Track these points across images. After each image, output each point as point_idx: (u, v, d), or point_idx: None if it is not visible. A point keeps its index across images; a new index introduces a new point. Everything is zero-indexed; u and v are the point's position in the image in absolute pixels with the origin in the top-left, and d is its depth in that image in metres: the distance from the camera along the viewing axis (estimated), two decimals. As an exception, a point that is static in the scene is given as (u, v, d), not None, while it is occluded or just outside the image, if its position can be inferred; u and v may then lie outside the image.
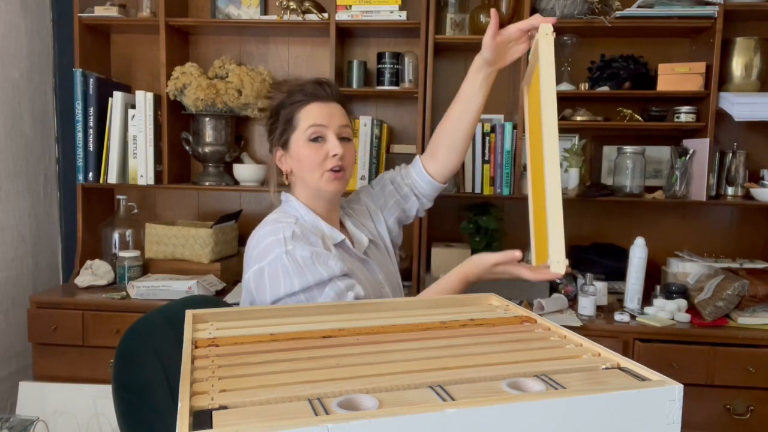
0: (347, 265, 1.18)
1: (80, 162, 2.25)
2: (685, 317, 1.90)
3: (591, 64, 2.24)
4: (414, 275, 2.23)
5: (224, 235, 2.29)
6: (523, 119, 2.16)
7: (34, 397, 1.99)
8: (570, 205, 2.39)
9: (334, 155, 1.18)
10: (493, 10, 1.17)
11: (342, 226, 1.30)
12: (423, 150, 2.20)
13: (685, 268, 2.14)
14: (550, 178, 1.02)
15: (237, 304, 1.53)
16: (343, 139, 1.21)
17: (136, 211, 2.39)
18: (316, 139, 1.19)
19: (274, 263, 1.10)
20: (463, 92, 1.28)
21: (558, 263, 1.02)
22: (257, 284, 1.13)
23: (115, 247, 2.27)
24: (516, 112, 2.22)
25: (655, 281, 2.16)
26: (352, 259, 1.23)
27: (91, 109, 2.22)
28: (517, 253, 1.12)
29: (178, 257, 2.23)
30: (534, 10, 2.16)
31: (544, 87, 1.04)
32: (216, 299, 1.58)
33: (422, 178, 1.38)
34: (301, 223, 1.18)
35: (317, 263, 1.11)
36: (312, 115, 1.19)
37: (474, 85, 1.25)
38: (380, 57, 2.27)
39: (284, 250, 1.10)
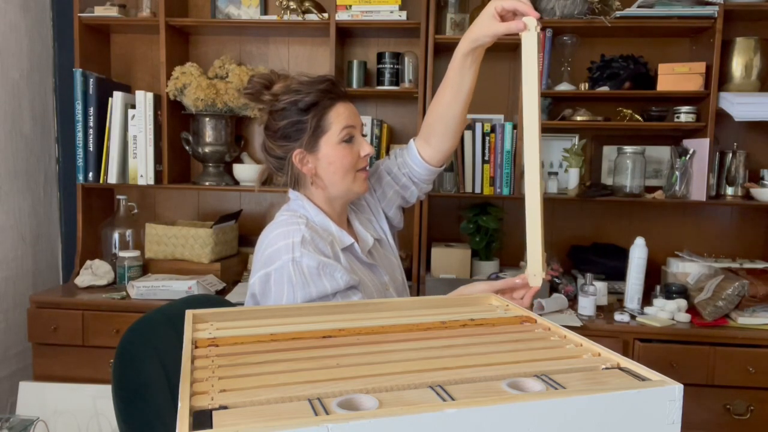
0: (354, 271, 1.18)
1: (80, 162, 2.25)
2: (685, 317, 1.90)
3: (591, 64, 2.24)
4: (414, 275, 2.23)
5: (224, 235, 2.29)
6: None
7: (34, 397, 1.99)
8: (570, 205, 2.41)
9: (366, 155, 1.19)
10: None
11: (349, 226, 1.30)
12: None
13: (685, 268, 2.14)
14: (529, 186, 1.01)
15: (240, 303, 1.52)
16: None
17: (136, 211, 2.39)
18: (350, 140, 1.18)
19: (280, 271, 1.09)
20: (452, 78, 1.20)
21: (535, 276, 1.04)
22: (263, 290, 1.12)
23: (115, 247, 2.27)
24: (516, 112, 2.22)
25: (655, 281, 2.16)
26: (358, 264, 1.23)
27: (91, 109, 2.22)
28: (517, 281, 1.08)
29: (178, 257, 2.23)
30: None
31: (526, 93, 1.00)
32: (217, 298, 1.58)
33: (419, 165, 1.33)
34: (311, 224, 1.16)
35: (323, 275, 1.09)
36: (343, 116, 1.17)
37: (463, 69, 1.18)
38: (380, 57, 2.27)
39: (291, 257, 1.09)
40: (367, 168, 1.23)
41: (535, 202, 1.01)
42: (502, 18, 1.08)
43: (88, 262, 2.21)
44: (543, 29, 2.14)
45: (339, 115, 1.17)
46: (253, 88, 1.19)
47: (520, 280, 1.08)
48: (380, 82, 2.27)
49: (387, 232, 1.37)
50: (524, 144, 1.01)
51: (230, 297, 2.02)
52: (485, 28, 1.10)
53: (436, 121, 1.27)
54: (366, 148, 1.20)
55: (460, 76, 1.19)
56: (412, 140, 1.35)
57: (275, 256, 1.10)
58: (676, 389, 0.54)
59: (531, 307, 1.06)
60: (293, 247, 1.09)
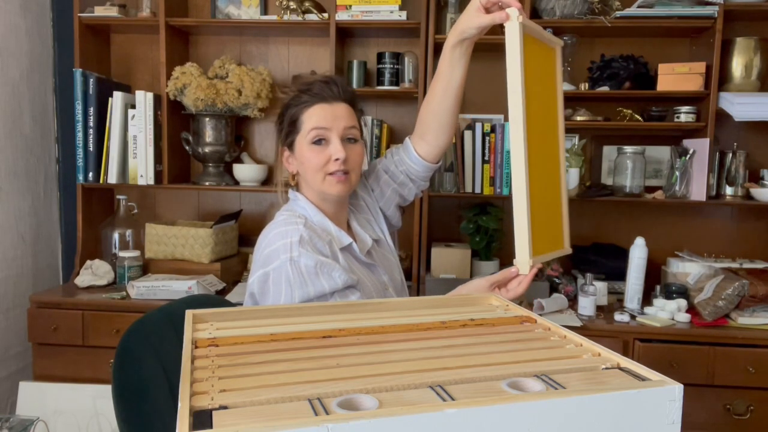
0: (353, 270, 1.18)
1: (80, 162, 2.25)
2: (685, 317, 1.90)
3: (591, 64, 2.24)
4: (414, 275, 2.23)
5: (224, 235, 2.29)
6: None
7: (34, 397, 1.99)
8: (570, 205, 2.39)
9: (336, 159, 1.16)
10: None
11: (348, 227, 1.30)
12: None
13: (685, 268, 2.14)
14: (515, 177, 1.04)
15: (240, 303, 1.52)
16: (349, 140, 1.19)
17: (136, 211, 2.39)
18: (319, 141, 1.17)
19: (278, 270, 1.10)
20: (442, 71, 1.22)
21: (523, 264, 1.06)
22: (261, 289, 1.13)
23: (115, 247, 2.27)
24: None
25: (655, 281, 2.16)
26: (357, 264, 1.23)
27: (91, 109, 2.22)
28: (513, 270, 1.12)
29: (178, 257, 2.23)
30: (534, 10, 2.16)
31: (510, 83, 1.03)
32: (218, 298, 1.58)
33: (416, 162, 1.34)
34: (309, 224, 1.17)
35: (321, 274, 1.10)
36: (315, 118, 1.17)
37: (452, 62, 1.20)
38: (380, 57, 2.27)
39: (289, 257, 1.09)
40: (346, 172, 1.18)
41: (521, 191, 1.02)
42: (488, 11, 1.10)
43: (88, 262, 2.21)
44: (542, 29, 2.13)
45: (311, 116, 1.18)
46: (289, 89, 1.22)
47: (514, 269, 1.11)
48: (380, 82, 2.27)
49: (385, 232, 1.38)
50: (509, 132, 1.04)
51: (230, 297, 2.02)
52: (470, 20, 1.12)
53: (429, 117, 1.29)
54: (336, 153, 1.16)
55: (449, 69, 1.21)
56: (407, 138, 1.36)
57: (273, 256, 1.11)
58: (676, 389, 0.54)
59: (531, 307, 1.08)
60: (291, 247, 1.10)
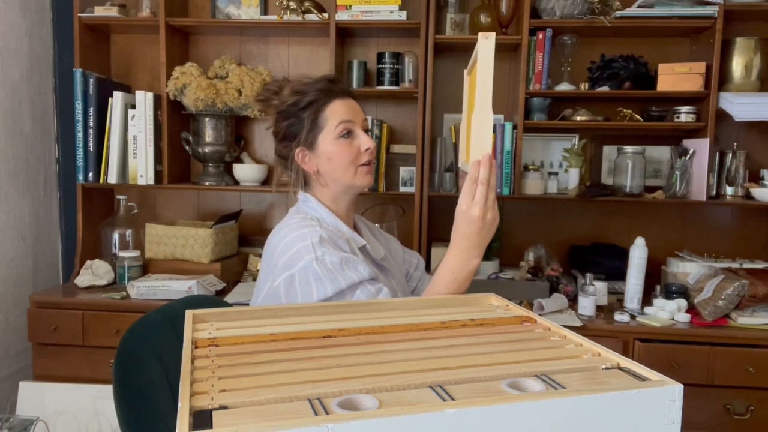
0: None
1: (80, 162, 2.25)
2: (685, 317, 1.90)
3: (591, 64, 2.24)
4: (414, 275, 2.23)
5: (224, 235, 2.29)
6: (523, 119, 2.17)
7: (34, 397, 1.99)
8: (570, 205, 2.40)
9: (367, 149, 1.20)
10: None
11: (356, 229, 1.31)
12: (422, 150, 2.20)
13: (685, 268, 2.14)
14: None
15: (240, 303, 1.52)
16: (366, 132, 1.23)
17: (136, 211, 2.39)
18: (347, 134, 1.19)
19: (304, 270, 1.09)
20: None
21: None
22: (287, 292, 1.12)
23: (115, 247, 2.27)
24: (516, 112, 2.22)
25: (655, 281, 2.16)
26: (371, 265, 1.24)
27: (91, 109, 2.22)
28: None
29: (178, 257, 2.23)
30: (534, 10, 2.16)
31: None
32: (216, 299, 1.58)
33: None
34: (324, 225, 1.18)
35: (347, 268, 1.10)
36: (339, 112, 1.19)
37: None
38: (380, 57, 2.27)
39: (314, 256, 1.09)
40: (372, 162, 1.23)
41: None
42: None
43: (88, 262, 2.21)
44: (543, 29, 2.13)
45: (335, 111, 1.19)
46: (264, 95, 1.24)
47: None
48: (380, 82, 2.27)
49: (395, 253, 1.42)
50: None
51: (230, 297, 2.02)
52: None
53: None
54: (366, 143, 1.20)
55: None
56: None
57: (297, 258, 1.10)
58: (676, 389, 0.54)
59: (531, 307, 1.06)
60: (314, 247, 1.10)
